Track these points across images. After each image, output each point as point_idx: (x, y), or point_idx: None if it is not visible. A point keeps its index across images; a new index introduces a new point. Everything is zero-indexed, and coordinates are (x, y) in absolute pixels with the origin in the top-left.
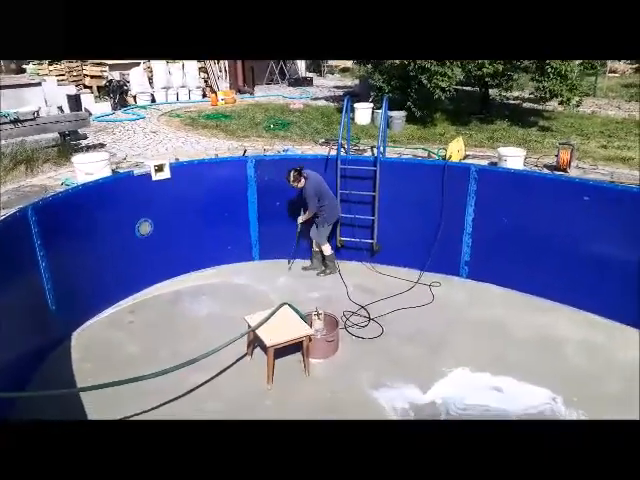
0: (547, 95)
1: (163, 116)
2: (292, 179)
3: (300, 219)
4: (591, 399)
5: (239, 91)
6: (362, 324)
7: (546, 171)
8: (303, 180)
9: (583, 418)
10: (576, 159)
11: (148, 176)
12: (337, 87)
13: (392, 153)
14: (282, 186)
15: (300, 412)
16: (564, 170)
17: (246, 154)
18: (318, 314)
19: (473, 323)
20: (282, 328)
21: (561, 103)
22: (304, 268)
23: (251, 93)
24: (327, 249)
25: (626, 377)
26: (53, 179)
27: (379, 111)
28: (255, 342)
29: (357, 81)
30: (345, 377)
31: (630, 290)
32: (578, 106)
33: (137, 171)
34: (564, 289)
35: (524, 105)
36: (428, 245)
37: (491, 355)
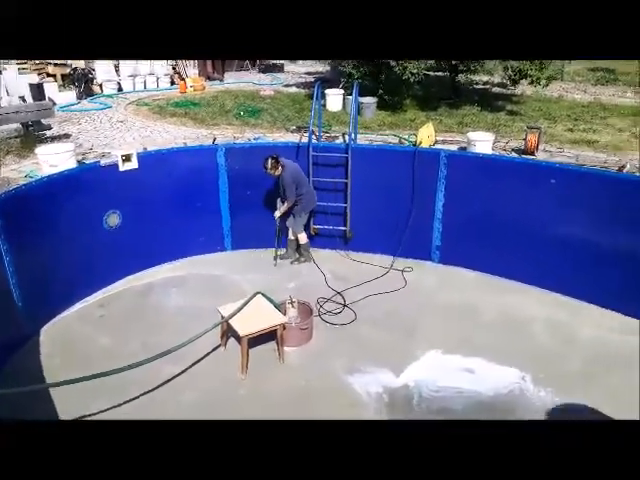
0: (517, 76)
1: (130, 105)
2: (269, 166)
3: (278, 213)
4: (557, 376)
5: (208, 78)
6: (336, 311)
7: (514, 155)
8: (280, 168)
9: (550, 395)
10: (543, 142)
11: (115, 167)
12: (308, 73)
13: (363, 139)
14: (254, 175)
15: (275, 400)
16: (532, 153)
17: (216, 142)
18: (292, 302)
19: (444, 306)
20: (255, 317)
21: (531, 83)
22: (278, 257)
23: (221, 80)
24: (303, 237)
25: (587, 354)
26: (16, 171)
27: (350, 97)
28: (229, 332)
29: (328, 67)
30: (319, 364)
31: (592, 269)
32: (547, 85)
33: (104, 162)
34: (532, 271)
35: (493, 90)
36: (400, 231)
37: (462, 337)
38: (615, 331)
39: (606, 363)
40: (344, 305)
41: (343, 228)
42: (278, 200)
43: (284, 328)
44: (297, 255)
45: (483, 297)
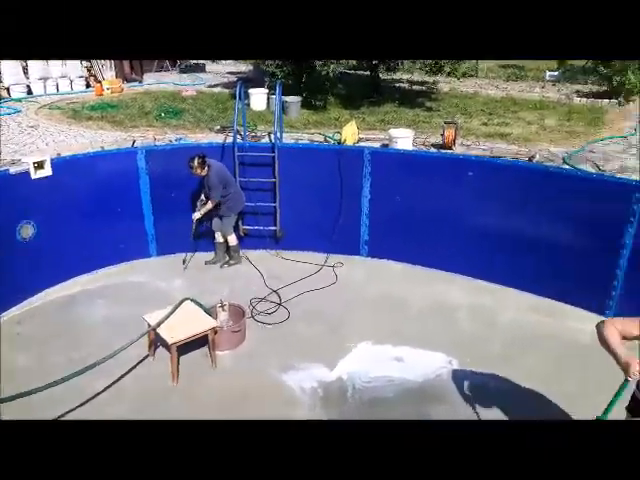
0: (435, 69)
1: (42, 109)
2: (196, 166)
3: (197, 214)
4: (481, 358)
5: (126, 79)
6: (269, 310)
7: (433, 150)
8: (207, 168)
9: (476, 376)
10: (460, 137)
11: (27, 174)
12: (231, 73)
13: (289, 138)
14: (177, 177)
15: (208, 405)
16: (450, 148)
17: (135, 145)
18: (222, 306)
19: (373, 299)
20: (184, 324)
21: (449, 74)
22: (207, 262)
23: (139, 81)
24: (233, 239)
25: (507, 336)
26: None
27: (274, 97)
28: (157, 341)
29: (251, 67)
30: (253, 365)
31: (509, 255)
32: (464, 75)
33: (13, 170)
34: (455, 260)
35: (413, 87)
36: (330, 227)
37: (391, 327)
38: (531, 311)
39: (524, 343)
40: (279, 304)
41: (273, 228)
42: (198, 201)
43: (215, 332)
44: (227, 258)
45: (410, 287)
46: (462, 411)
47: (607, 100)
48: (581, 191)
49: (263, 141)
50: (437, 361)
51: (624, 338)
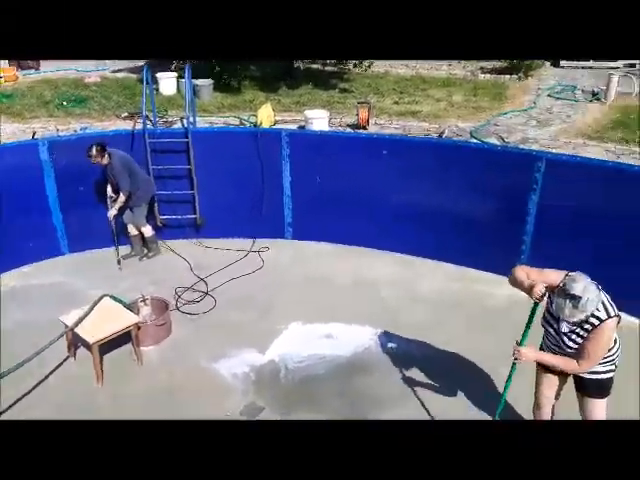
0: None
1: None
2: (94, 154)
3: (113, 211)
4: (406, 327)
5: (21, 67)
6: (195, 300)
7: (349, 130)
8: (107, 156)
9: (402, 345)
10: (374, 116)
11: None
12: None
13: (203, 123)
14: (86, 168)
15: (137, 403)
16: (364, 127)
17: (36, 137)
18: (144, 300)
19: (301, 280)
20: (104, 322)
21: (355, 66)
22: (124, 257)
23: (36, 68)
24: (148, 230)
25: (429, 304)
26: None
27: (184, 80)
28: (77, 342)
29: None
30: (181, 357)
31: (426, 228)
32: (369, 66)
33: None
34: (376, 236)
35: (326, 69)
36: (253, 212)
37: (320, 306)
38: (449, 280)
39: (444, 310)
40: (205, 293)
41: (193, 216)
42: (108, 198)
43: (139, 328)
44: (145, 250)
45: (336, 266)
46: (390, 379)
47: (508, 76)
48: (488, 163)
49: (175, 126)
50: (365, 334)
51: (521, 288)
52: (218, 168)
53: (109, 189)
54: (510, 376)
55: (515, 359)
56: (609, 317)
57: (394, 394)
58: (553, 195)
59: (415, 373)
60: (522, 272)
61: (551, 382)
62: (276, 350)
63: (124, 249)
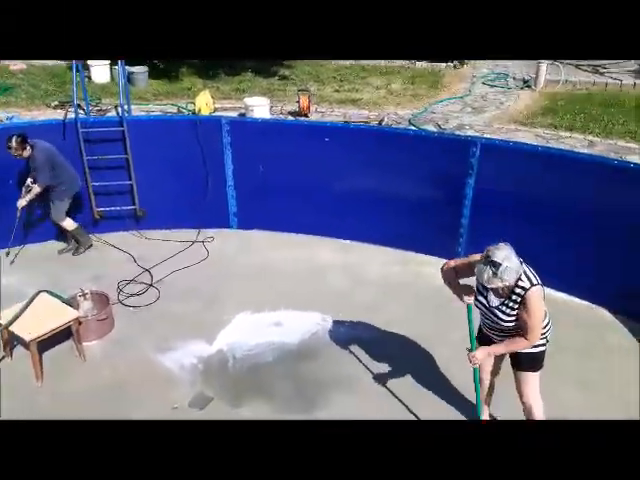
0: None
1: None
2: (14, 146)
3: (23, 201)
4: (352, 311)
5: None
6: (138, 292)
7: (290, 117)
8: (29, 148)
9: (348, 329)
10: (315, 104)
11: None
12: None
13: (139, 111)
14: (13, 161)
15: (81, 400)
16: (305, 115)
17: None
18: (84, 294)
19: (247, 269)
20: (42, 318)
21: None
22: (60, 251)
23: None
24: (69, 224)
25: (374, 288)
26: None
27: (117, 67)
28: (13, 341)
29: None
30: (126, 351)
31: (372, 215)
32: None
33: None
34: (322, 223)
35: None
36: (196, 202)
37: (267, 294)
38: (392, 264)
39: (388, 293)
40: (149, 285)
41: (132, 207)
42: (24, 187)
43: (80, 323)
44: (77, 245)
45: (282, 254)
46: (338, 363)
47: (444, 64)
48: (426, 149)
49: (110, 114)
50: (313, 320)
51: (464, 272)
52: (157, 158)
53: (29, 179)
54: (475, 379)
55: (471, 364)
56: (532, 285)
57: (342, 378)
58: (488, 179)
59: (363, 356)
60: (449, 271)
61: (490, 359)
62: (224, 340)
63: (40, 246)
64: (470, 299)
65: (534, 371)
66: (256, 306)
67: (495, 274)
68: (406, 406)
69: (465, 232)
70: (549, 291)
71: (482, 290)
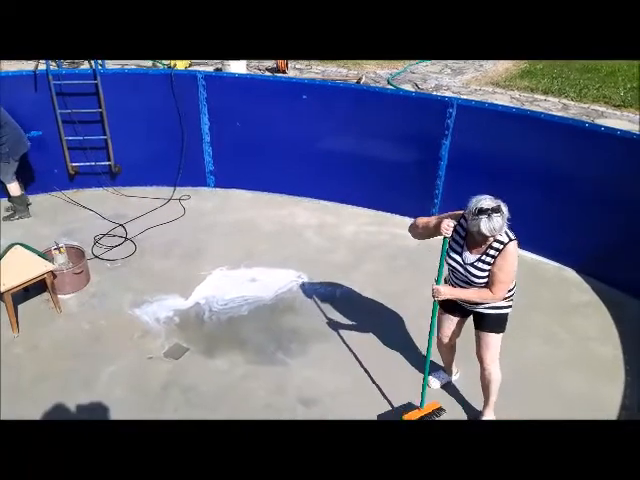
0: None
1: None
2: None
3: None
4: (327, 269)
5: None
6: (114, 246)
7: (268, 74)
8: None
9: (323, 286)
10: (293, 61)
11: None
12: None
13: (113, 65)
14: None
15: (59, 350)
16: (283, 72)
17: None
18: (59, 248)
19: (223, 227)
20: (16, 269)
21: None
22: (6, 218)
23: None
24: (15, 188)
25: (350, 247)
26: None
27: None
28: None
29: None
30: (102, 304)
31: (348, 175)
32: None
33: None
34: (300, 183)
35: None
36: (172, 159)
37: (243, 252)
38: (368, 224)
39: (362, 252)
40: (125, 238)
41: (107, 163)
42: None
43: (55, 276)
44: (12, 211)
45: (259, 213)
46: (312, 317)
47: None
48: (403, 109)
49: (83, 67)
50: (288, 277)
51: (428, 231)
52: (131, 113)
53: None
54: (433, 315)
55: (433, 297)
56: (511, 240)
57: (317, 330)
58: (464, 140)
59: (337, 310)
60: (422, 219)
61: (451, 322)
62: (200, 294)
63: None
64: (448, 232)
65: (497, 332)
66: (232, 263)
67: (498, 221)
68: (378, 355)
69: (440, 193)
70: (520, 251)
71: (456, 247)
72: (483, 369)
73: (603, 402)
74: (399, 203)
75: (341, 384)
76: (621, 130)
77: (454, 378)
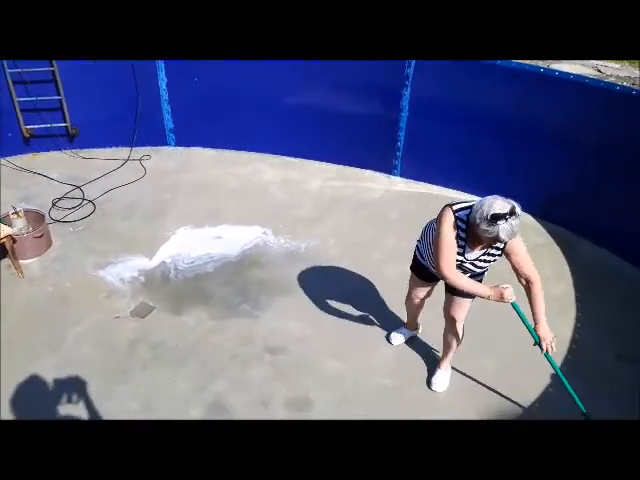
0: None
1: None
2: None
3: None
4: (292, 224)
5: None
6: (73, 207)
7: None
8: None
9: (288, 240)
10: None
11: None
12: None
13: None
14: None
15: (23, 313)
16: None
17: None
18: (17, 212)
19: (186, 186)
20: None
21: None
22: None
23: None
24: None
25: (316, 202)
26: None
27: None
28: None
29: None
30: (65, 267)
31: (310, 131)
32: None
33: None
34: (264, 140)
35: None
36: (130, 119)
37: (207, 210)
38: (333, 179)
39: (328, 206)
40: (84, 199)
41: (64, 124)
42: None
43: (14, 241)
44: None
45: (223, 171)
46: (277, 271)
47: None
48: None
49: None
50: (253, 233)
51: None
52: (85, 70)
53: None
54: (552, 365)
55: (546, 352)
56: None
57: (282, 283)
58: (424, 89)
59: (302, 263)
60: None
61: (428, 287)
62: (165, 254)
63: None
64: (512, 297)
65: (470, 297)
66: (196, 221)
67: (517, 224)
68: (341, 303)
69: (402, 145)
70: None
71: (457, 249)
72: (451, 326)
73: (557, 335)
74: (363, 157)
75: (306, 331)
76: (574, 74)
77: (420, 332)
